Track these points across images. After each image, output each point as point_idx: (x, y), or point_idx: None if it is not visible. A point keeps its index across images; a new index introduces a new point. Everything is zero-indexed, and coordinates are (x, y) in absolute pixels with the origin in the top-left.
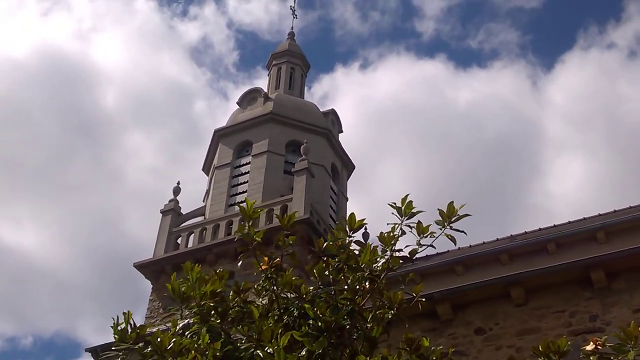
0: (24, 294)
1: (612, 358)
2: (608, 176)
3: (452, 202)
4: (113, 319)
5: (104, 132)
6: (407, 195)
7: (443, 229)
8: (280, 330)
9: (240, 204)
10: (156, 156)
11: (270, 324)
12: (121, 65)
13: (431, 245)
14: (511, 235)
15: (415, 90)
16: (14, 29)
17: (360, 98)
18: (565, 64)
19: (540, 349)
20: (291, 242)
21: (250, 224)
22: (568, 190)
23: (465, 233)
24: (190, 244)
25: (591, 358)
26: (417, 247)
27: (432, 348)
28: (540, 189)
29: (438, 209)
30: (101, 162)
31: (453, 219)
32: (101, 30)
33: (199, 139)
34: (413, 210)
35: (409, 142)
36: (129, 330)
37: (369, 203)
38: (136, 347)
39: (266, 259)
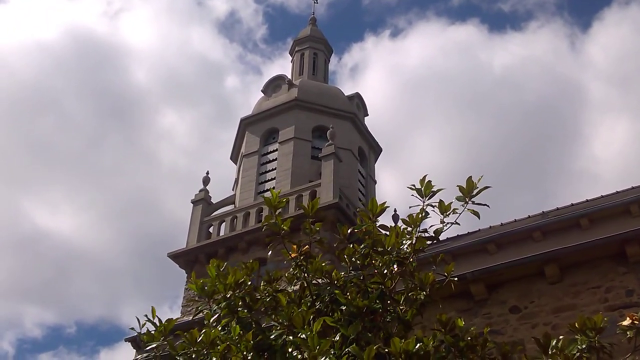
0: (66, 280)
1: None
2: None
3: (471, 176)
4: (133, 328)
5: (136, 113)
6: (425, 176)
7: (465, 205)
8: (312, 316)
9: (266, 195)
10: (189, 136)
11: (301, 310)
12: (151, 44)
13: (456, 223)
14: (543, 211)
15: (448, 56)
16: (42, 11)
17: (392, 66)
18: (604, 21)
19: (576, 325)
20: (318, 228)
21: (276, 213)
22: (613, 153)
23: (488, 206)
24: (222, 233)
25: (628, 333)
26: (441, 226)
27: (467, 329)
28: (584, 153)
29: (458, 185)
30: (134, 144)
31: (474, 193)
32: (129, 9)
33: (232, 116)
34: (433, 189)
35: (444, 109)
36: (154, 328)
37: (407, 173)
38: (165, 342)
39: (295, 246)
